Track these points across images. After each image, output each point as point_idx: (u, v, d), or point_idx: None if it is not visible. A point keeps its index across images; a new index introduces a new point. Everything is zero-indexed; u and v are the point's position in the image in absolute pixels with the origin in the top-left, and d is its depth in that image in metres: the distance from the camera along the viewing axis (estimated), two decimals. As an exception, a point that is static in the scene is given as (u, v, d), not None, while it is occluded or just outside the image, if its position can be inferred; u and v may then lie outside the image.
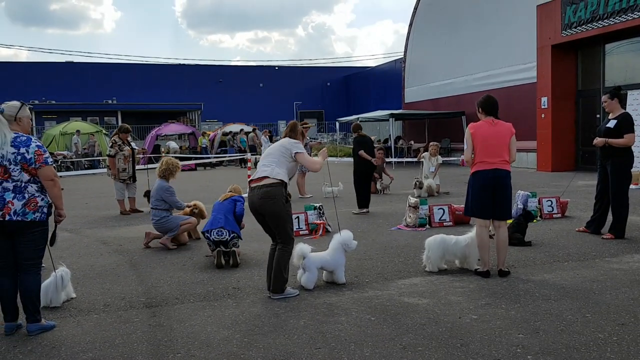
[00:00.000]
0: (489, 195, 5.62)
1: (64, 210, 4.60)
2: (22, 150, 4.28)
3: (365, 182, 10.51)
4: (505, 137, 5.65)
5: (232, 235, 6.46)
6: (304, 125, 5.84)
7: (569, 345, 3.80)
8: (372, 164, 10.64)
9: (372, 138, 13.23)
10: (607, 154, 7.26)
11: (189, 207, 8.05)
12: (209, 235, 6.49)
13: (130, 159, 11.13)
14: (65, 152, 25.39)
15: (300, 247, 5.36)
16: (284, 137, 5.47)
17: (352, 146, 11.32)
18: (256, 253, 6.94)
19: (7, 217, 4.21)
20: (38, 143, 4.42)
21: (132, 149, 11.32)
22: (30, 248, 4.36)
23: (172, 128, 29.99)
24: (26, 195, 4.29)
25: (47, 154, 4.43)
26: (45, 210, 4.40)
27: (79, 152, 25.88)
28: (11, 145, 4.24)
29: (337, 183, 13.05)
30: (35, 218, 4.32)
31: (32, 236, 4.35)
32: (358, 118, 25.40)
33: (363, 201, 10.38)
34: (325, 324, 4.40)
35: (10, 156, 4.23)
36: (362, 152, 10.40)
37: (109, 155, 11.08)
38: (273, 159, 5.24)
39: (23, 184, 4.29)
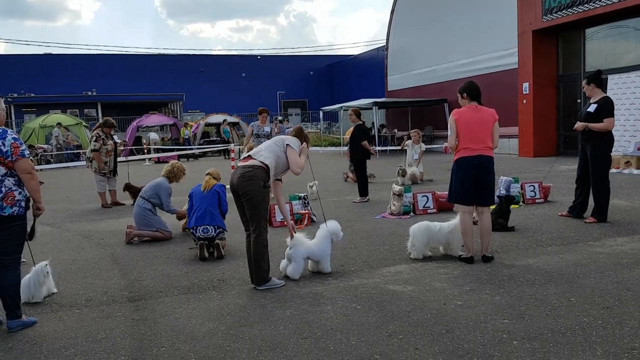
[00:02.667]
0: (472, 181, 5.62)
1: (43, 203, 4.51)
2: None
3: (364, 170, 10.41)
4: (488, 123, 5.65)
5: (218, 231, 6.41)
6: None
7: (554, 330, 3.82)
8: (369, 153, 10.49)
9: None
10: (588, 138, 7.30)
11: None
12: (194, 231, 6.43)
13: (113, 153, 11.00)
14: (45, 146, 25.02)
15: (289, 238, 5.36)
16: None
17: (336, 135, 11.20)
18: (241, 245, 6.86)
19: None
20: (14, 135, 4.33)
21: (115, 143, 11.17)
22: (9, 243, 4.27)
23: (153, 119, 29.62)
24: (3, 189, 4.20)
25: (24, 147, 4.34)
26: (23, 204, 4.31)
27: (60, 145, 25.51)
28: None
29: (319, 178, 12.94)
30: (13, 212, 4.23)
31: (11, 231, 4.26)
32: (342, 107, 25.36)
33: (364, 189, 10.29)
34: (311, 313, 4.38)
35: None
36: (365, 143, 10.22)
37: (93, 150, 10.91)
38: (264, 146, 5.30)
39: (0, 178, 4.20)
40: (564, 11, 16.39)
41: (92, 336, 4.11)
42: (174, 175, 7.77)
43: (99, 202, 11.01)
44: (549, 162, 13.88)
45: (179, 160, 25.01)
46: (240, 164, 5.19)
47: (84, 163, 16.58)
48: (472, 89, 5.77)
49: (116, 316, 4.54)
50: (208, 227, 6.37)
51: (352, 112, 10.46)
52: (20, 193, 4.29)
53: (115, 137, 11.48)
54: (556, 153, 17.64)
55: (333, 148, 26.14)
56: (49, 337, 4.14)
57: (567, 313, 4.12)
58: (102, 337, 4.08)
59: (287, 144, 5.25)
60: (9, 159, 4.21)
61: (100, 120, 11.72)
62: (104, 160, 10.84)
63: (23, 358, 3.80)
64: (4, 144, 4.20)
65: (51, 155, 24.58)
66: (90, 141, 11.12)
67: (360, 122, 10.47)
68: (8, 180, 4.25)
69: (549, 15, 16.96)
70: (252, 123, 11.88)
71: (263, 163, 5.06)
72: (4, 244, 4.25)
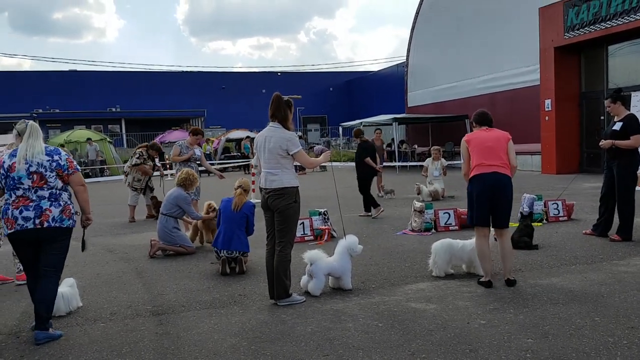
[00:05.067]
0: (486, 200, 5.39)
1: (91, 214, 4.80)
2: (56, 157, 4.50)
3: (368, 186, 10.54)
4: (501, 141, 5.51)
5: (241, 253, 6.47)
6: (291, 98, 5.34)
7: (578, 350, 3.77)
8: (375, 170, 10.61)
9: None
10: (614, 156, 7.24)
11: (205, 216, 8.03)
12: (218, 251, 6.49)
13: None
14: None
15: (309, 254, 5.37)
16: (271, 116, 5.14)
17: (355, 151, 11.33)
18: (262, 260, 6.85)
19: (46, 224, 4.38)
20: (65, 152, 4.70)
21: (154, 166, 11.48)
22: (58, 254, 4.52)
23: (176, 135, 30.08)
24: (61, 203, 4.49)
25: (75, 162, 4.69)
26: (75, 217, 4.61)
27: (95, 160, 25.91)
28: (45, 154, 4.46)
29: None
30: (69, 225, 4.53)
31: (62, 242, 4.54)
32: (361, 123, 25.40)
33: (369, 204, 10.38)
34: (333, 330, 4.38)
35: (45, 164, 4.43)
36: (368, 160, 10.37)
37: (134, 165, 11.15)
38: (276, 165, 5.06)
39: (57, 191, 4.49)
40: (586, 28, 16.29)
41: (117, 350, 4.16)
42: (188, 183, 7.88)
43: (123, 217, 11.21)
44: (571, 180, 13.71)
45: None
46: (266, 187, 5.11)
47: (108, 178, 16.85)
48: (481, 118, 5.75)
49: (140, 330, 4.59)
50: (234, 251, 6.44)
51: (353, 134, 10.74)
52: (73, 207, 4.59)
53: (156, 160, 11.78)
54: (579, 170, 17.43)
55: (352, 163, 26.13)
56: (74, 350, 4.20)
57: (592, 333, 4.07)
58: (126, 351, 4.13)
59: (293, 154, 5.06)
60: (66, 172, 4.50)
61: (148, 143, 12.07)
62: (138, 177, 11.11)
63: (49, 370, 3.87)
64: (61, 159, 4.51)
65: (89, 169, 24.97)
66: (132, 157, 11.41)
67: (364, 140, 10.62)
68: (64, 194, 4.54)
69: (571, 32, 16.88)
70: (180, 143, 9.64)
71: (293, 186, 5.09)
72: (51, 256, 4.47)
